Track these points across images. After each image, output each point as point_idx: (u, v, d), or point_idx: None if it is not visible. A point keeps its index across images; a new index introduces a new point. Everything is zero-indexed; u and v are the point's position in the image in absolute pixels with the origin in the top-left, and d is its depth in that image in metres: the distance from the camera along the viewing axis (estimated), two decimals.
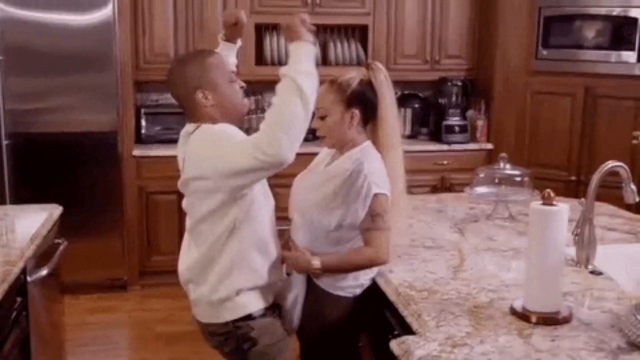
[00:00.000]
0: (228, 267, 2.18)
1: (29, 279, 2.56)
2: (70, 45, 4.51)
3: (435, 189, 5.09)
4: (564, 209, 1.89)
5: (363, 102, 2.28)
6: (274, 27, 5.02)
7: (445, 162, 5.18)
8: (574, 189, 4.83)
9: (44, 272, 2.68)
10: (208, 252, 2.19)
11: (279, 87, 2.03)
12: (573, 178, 4.90)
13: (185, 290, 2.35)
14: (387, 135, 2.30)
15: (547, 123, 4.99)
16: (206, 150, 2.12)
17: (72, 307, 4.19)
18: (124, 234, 4.81)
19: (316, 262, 2.23)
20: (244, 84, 2.30)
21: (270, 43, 5.04)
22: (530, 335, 1.82)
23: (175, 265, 5.11)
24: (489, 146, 5.26)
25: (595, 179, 2.33)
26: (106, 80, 4.61)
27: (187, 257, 2.28)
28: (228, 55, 2.45)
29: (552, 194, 1.89)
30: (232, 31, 2.46)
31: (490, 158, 5.19)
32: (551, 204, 1.89)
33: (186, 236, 2.32)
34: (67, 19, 4.49)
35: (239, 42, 2.53)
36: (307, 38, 2.09)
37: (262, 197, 2.22)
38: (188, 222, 2.28)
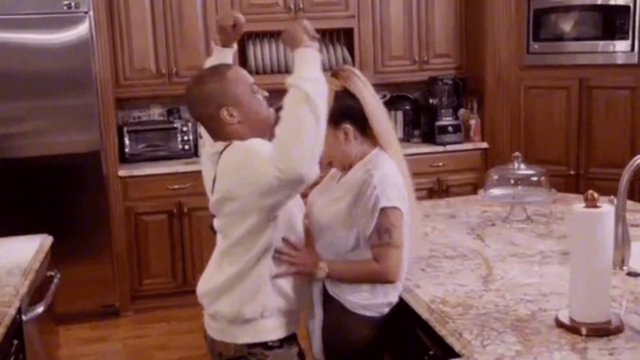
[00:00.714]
0: (255, 287, 2.05)
1: (24, 318, 2.38)
2: (47, 66, 4.31)
3: (432, 192, 4.97)
4: (610, 210, 1.75)
5: (349, 113, 2.14)
6: (257, 36, 4.87)
7: (440, 163, 5.04)
8: (573, 183, 4.73)
9: (39, 309, 2.49)
10: (240, 270, 2.05)
11: (286, 99, 1.90)
12: (572, 172, 4.80)
13: (201, 303, 2.19)
14: (380, 134, 2.17)
15: (542, 118, 4.87)
16: (237, 170, 1.97)
17: (65, 337, 3.99)
18: (113, 258, 4.60)
19: (323, 265, 2.11)
20: (266, 93, 2.15)
21: (254, 52, 4.88)
22: (585, 349, 1.68)
23: (168, 288, 4.93)
24: (484, 145, 5.13)
25: (626, 175, 2.20)
26: (86, 100, 4.41)
27: (218, 276, 2.11)
28: (225, 61, 2.28)
29: (595, 195, 1.75)
30: (229, 34, 2.30)
31: (486, 157, 5.09)
32: (595, 206, 1.75)
33: (216, 257, 2.17)
34: (42, 38, 4.29)
35: (235, 47, 2.37)
36: (310, 43, 1.97)
37: (295, 210, 2.10)
38: (221, 243, 2.13)
